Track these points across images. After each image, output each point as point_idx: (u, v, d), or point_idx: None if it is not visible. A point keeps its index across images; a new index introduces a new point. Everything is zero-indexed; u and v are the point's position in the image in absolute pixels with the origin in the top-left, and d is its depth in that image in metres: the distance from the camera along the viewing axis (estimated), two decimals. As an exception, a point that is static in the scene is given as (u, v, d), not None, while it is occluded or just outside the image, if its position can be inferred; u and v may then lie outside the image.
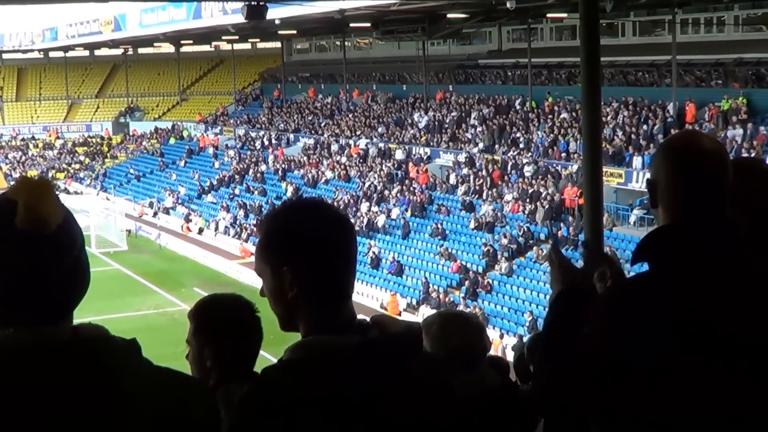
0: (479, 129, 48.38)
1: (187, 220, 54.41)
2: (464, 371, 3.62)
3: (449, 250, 38.66)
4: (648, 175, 2.66)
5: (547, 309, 2.84)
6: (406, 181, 47.00)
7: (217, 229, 51.68)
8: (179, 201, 58.21)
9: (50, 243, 2.01)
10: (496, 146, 46.05)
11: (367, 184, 48.22)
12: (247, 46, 77.72)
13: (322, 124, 60.96)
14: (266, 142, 61.89)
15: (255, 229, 46.69)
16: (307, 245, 2.20)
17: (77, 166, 74.20)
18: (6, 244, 1.98)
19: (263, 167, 57.58)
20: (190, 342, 3.46)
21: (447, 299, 35.42)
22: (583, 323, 2.62)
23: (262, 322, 3.54)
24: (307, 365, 2.13)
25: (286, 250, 2.21)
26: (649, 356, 2.39)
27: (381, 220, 43.55)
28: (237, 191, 55.77)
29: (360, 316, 2.30)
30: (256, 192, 54.14)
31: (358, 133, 56.26)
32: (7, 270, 1.98)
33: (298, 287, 2.20)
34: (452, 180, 45.07)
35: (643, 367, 2.40)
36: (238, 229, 49.62)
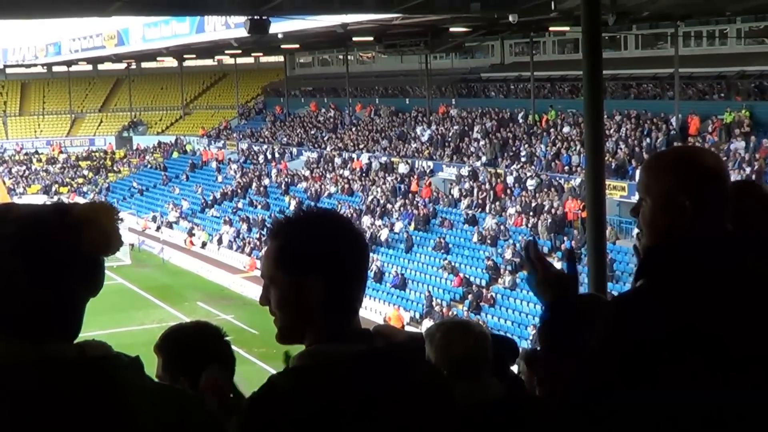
0: (482, 142, 48.41)
1: (191, 234, 54.42)
2: (467, 379, 3.63)
3: (452, 264, 38.65)
4: (652, 192, 2.64)
5: (542, 321, 2.79)
6: (409, 195, 47.02)
7: (220, 243, 51.68)
8: (182, 215, 58.23)
9: (102, 267, 2.07)
10: (499, 160, 46.07)
11: (370, 198, 48.24)
12: (250, 60, 77.86)
13: (325, 138, 61.02)
14: (269, 156, 61.94)
15: (266, 235, 46.76)
16: (323, 257, 2.22)
17: (80, 180, 74.25)
18: (64, 264, 2.01)
19: (266, 181, 57.63)
20: (162, 378, 3.40)
21: (450, 313, 35.39)
22: (583, 336, 2.62)
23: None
24: (314, 373, 2.14)
25: (303, 260, 2.22)
26: (653, 368, 2.39)
27: (384, 234, 43.55)
28: (240, 205, 55.80)
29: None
30: (259, 206, 54.17)
31: (361, 146, 56.31)
32: (51, 286, 1.99)
33: (312, 297, 2.21)
34: (455, 193, 45.07)
35: (648, 378, 2.40)
36: (241, 243, 49.63)
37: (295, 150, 61.47)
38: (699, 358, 2.38)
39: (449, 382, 2.47)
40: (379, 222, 45.14)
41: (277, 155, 61.57)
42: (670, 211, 2.57)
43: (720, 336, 2.40)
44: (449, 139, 50.95)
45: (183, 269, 49.65)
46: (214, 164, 65.57)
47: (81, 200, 66.84)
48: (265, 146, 64.27)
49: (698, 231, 2.52)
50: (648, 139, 40.28)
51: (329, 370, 2.13)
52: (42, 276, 1.98)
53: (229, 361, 3.53)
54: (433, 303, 36.50)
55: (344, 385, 2.12)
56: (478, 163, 46.62)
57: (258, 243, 47.65)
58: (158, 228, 57.92)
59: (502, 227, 39.80)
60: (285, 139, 64.62)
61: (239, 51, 61.80)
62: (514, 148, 46.35)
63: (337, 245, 2.22)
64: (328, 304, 2.23)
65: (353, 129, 60.41)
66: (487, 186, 43.61)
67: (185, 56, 71.04)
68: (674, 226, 2.56)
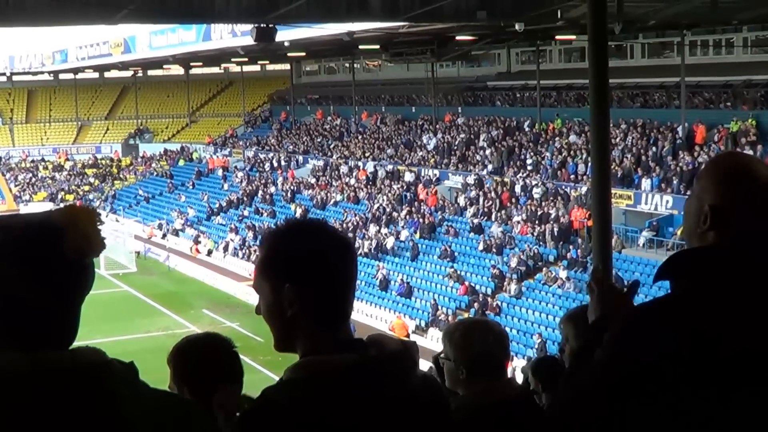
0: (488, 151, 48.42)
1: (196, 241, 54.46)
2: (485, 378, 3.64)
3: (458, 272, 38.62)
4: (708, 199, 2.59)
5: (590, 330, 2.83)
6: (415, 203, 47.03)
7: (226, 250, 51.71)
8: (188, 223, 58.28)
9: (89, 271, 2.06)
10: (505, 168, 46.08)
11: (375, 206, 48.24)
12: (256, 68, 77.95)
13: (331, 146, 61.09)
14: (275, 164, 62.00)
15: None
16: (310, 265, 2.21)
17: (87, 187, 74.36)
18: (52, 269, 2.00)
19: (272, 189, 57.66)
20: (172, 388, 3.45)
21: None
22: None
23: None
24: (307, 384, 2.13)
25: (289, 269, 2.22)
26: (666, 381, 2.36)
27: (390, 242, 43.54)
28: (246, 213, 55.85)
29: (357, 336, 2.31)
30: (265, 214, 54.20)
31: (367, 155, 56.33)
32: (41, 292, 1.99)
33: (299, 306, 2.21)
34: (461, 202, 45.07)
35: (656, 393, 2.37)
36: (247, 251, 49.63)
37: (301, 158, 61.55)
38: (711, 379, 2.35)
39: (443, 391, 2.47)
40: (384, 230, 45.13)
41: (283, 163, 61.62)
42: (707, 219, 2.55)
43: (741, 354, 2.36)
44: (455, 147, 50.96)
45: (189, 277, 49.69)
46: (220, 172, 65.67)
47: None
48: (271, 154, 64.35)
49: (740, 242, 2.48)
50: (654, 148, 40.25)
51: (322, 381, 2.12)
52: (30, 283, 1.97)
53: (237, 374, 3.55)
54: (439, 311, 36.47)
55: (338, 396, 2.11)
56: (484, 172, 46.63)
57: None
58: (164, 236, 57.99)
59: (507, 236, 39.79)
60: (291, 147, 64.71)
61: (245, 59, 61.93)
62: (520, 157, 46.36)
63: (317, 255, 2.22)
64: (313, 314, 2.22)
65: (359, 137, 60.47)
66: (493, 194, 43.60)
67: (191, 64, 71.13)
68: (709, 233, 2.53)
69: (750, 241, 2.47)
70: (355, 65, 65.85)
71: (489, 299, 36.47)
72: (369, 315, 37.89)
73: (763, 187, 2.50)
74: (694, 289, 2.44)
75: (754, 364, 2.36)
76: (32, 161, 79.94)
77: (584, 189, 38.55)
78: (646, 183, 37.90)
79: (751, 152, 36.56)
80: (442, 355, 3.78)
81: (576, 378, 2.57)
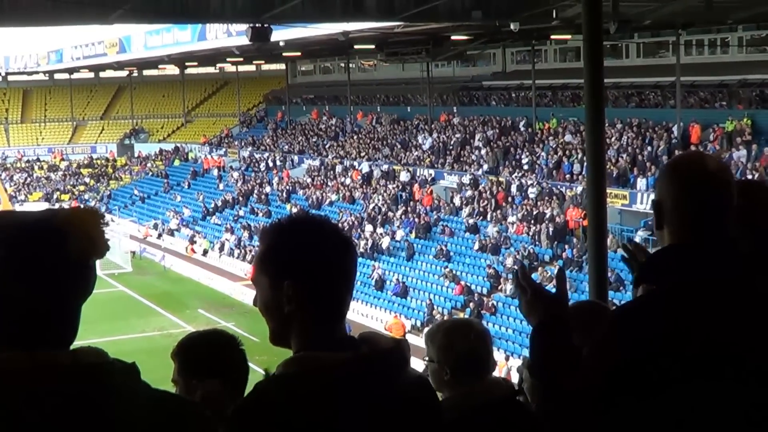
0: (483, 151, 48.40)
1: (192, 241, 54.41)
2: (471, 379, 3.62)
3: (454, 272, 38.62)
4: (653, 196, 2.64)
5: (530, 343, 2.81)
6: (411, 203, 47.02)
7: (221, 250, 51.68)
8: (184, 223, 58.25)
9: (91, 272, 2.06)
10: (501, 168, 46.07)
11: (371, 206, 48.23)
12: (251, 68, 77.89)
13: (327, 146, 61.05)
14: (271, 164, 61.97)
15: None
16: (311, 261, 2.22)
17: (82, 187, 74.30)
18: (52, 270, 1.99)
19: (268, 189, 57.64)
20: (177, 381, 3.46)
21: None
22: (575, 352, 2.61)
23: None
24: (299, 380, 2.14)
25: (289, 265, 2.22)
26: (652, 378, 2.38)
27: (385, 242, 43.53)
28: (241, 213, 55.80)
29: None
30: (260, 213, 54.16)
31: (362, 154, 56.32)
32: (41, 292, 1.99)
33: (297, 302, 2.21)
34: (457, 201, 45.06)
35: (645, 390, 2.39)
36: (243, 251, 49.61)
37: (296, 158, 61.50)
38: (698, 367, 2.37)
39: (433, 389, 2.48)
40: (380, 230, 45.12)
41: (278, 163, 61.59)
42: (660, 216, 2.57)
43: (717, 344, 2.38)
44: (451, 147, 50.96)
45: (184, 277, 49.66)
46: (215, 172, 65.64)
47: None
48: (266, 154, 64.31)
49: (698, 239, 2.50)
50: (649, 148, 40.28)
51: (315, 377, 2.13)
52: (31, 283, 1.97)
53: (241, 371, 3.56)
54: (434, 311, 36.47)
55: (330, 392, 2.12)
56: (479, 171, 46.63)
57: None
58: (159, 235, 57.93)
59: (503, 235, 39.78)
60: (286, 146, 64.66)
61: (241, 59, 61.89)
62: (515, 156, 46.36)
63: (317, 252, 2.22)
64: (310, 311, 2.22)
65: (354, 137, 60.45)
66: (489, 194, 43.60)
67: (187, 64, 71.07)
68: (674, 233, 2.55)
69: (698, 238, 2.50)
70: (351, 65, 65.80)
71: (485, 299, 36.48)
72: (364, 315, 37.88)
73: (707, 181, 2.52)
74: (672, 289, 2.47)
75: (732, 360, 2.39)
76: (27, 161, 79.84)
77: (579, 189, 38.57)
78: (641, 183, 37.91)
79: (745, 152, 36.64)
80: (425, 358, 3.75)
81: (561, 386, 2.57)
